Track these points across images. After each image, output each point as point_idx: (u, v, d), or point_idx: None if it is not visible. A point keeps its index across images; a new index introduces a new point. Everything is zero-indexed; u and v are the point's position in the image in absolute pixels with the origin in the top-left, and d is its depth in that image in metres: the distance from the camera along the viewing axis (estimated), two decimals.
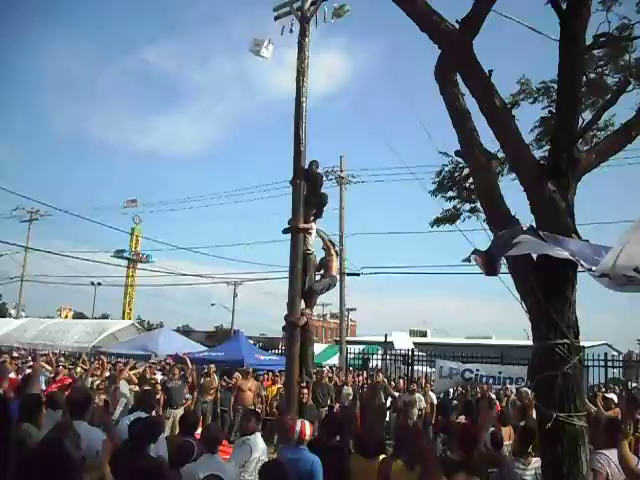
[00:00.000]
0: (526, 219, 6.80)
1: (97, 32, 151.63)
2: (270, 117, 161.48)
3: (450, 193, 9.82)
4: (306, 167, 11.58)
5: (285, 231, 11.57)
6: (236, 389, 16.96)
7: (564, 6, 6.93)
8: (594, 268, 5.36)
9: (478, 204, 8.71)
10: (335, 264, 12.28)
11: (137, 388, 15.66)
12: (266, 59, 13.80)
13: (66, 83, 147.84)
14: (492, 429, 9.79)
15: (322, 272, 11.84)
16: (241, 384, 16.89)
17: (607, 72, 9.02)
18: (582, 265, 5.46)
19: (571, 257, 5.62)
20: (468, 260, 6.46)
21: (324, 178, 12.48)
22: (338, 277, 28.17)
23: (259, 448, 7.65)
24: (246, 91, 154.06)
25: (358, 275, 30.92)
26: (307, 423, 7.53)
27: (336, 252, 12.45)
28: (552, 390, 6.04)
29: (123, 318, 62.64)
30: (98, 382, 15.12)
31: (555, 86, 8.04)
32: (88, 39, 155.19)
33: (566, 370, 6.03)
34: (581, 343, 6.51)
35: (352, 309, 59.69)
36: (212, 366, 18.05)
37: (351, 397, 18.29)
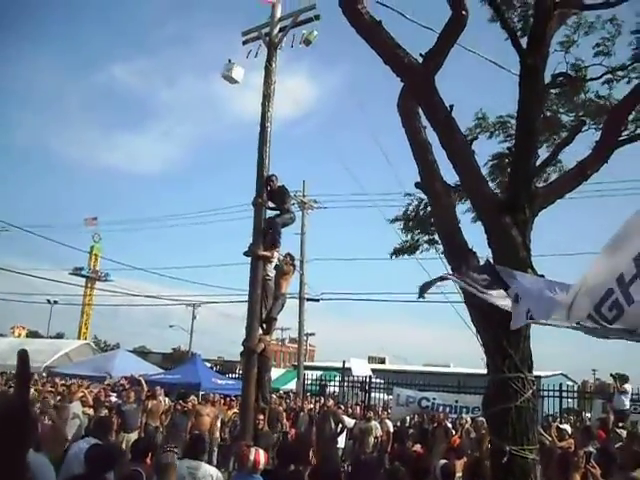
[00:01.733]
0: (483, 251, 6.92)
1: (65, 47, 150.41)
2: (235, 139, 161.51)
3: (409, 224, 9.94)
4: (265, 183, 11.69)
5: (246, 254, 11.56)
6: (194, 414, 16.66)
7: (524, 44, 7.10)
8: (543, 320, 5.36)
9: (436, 236, 8.82)
10: (287, 283, 12.34)
11: (91, 411, 15.38)
12: (237, 83, 13.87)
13: (30, 96, 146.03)
14: (444, 461, 9.79)
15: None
16: (199, 409, 16.59)
17: (563, 110, 9.26)
18: (531, 319, 5.44)
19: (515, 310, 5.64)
20: (422, 295, 6.43)
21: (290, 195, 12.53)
22: (298, 302, 28.08)
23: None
24: (212, 112, 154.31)
25: (318, 301, 30.95)
26: (262, 451, 7.46)
27: (293, 266, 12.51)
28: (505, 423, 6.10)
29: (79, 337, 61.62)
30: (51, 403, 14.81)
31: (512, 121, 8.22)
32: (56, 54, 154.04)
33: (520, 403, 6.10)
34: (537, 373, 6.60)
35: (311, 334, 59.41)
36: (158, 388, 17.69)
37: (307, 423, 18.19)
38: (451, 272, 6.31)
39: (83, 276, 65.73)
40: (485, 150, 9.82)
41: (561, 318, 5.02)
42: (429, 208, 9.52)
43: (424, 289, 6.23)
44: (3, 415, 0.82)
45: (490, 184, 9.51)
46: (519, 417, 6.09)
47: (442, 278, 6.26)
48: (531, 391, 6.25)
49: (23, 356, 1.03)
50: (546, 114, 8.77)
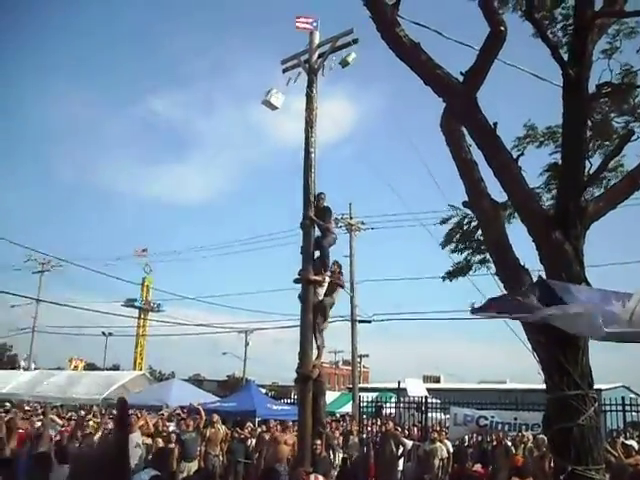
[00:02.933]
0: (535, 266, 6.83)
1: (103, 81, 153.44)
2: (277, 165, 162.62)
3: (460, 245, 9.86)
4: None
5: (296, 281, 11.61)
6: (273, 441, 16.27)
7: (565, 57, 7.05)
8: (607, 330, 5.24)
9: (488, 255, 8.73)
10: (338, 294, 12.43)
11: (150, 440, 15.52)
12: (277, 109, 14.02)
13: (72, 132, 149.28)
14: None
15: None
16: (278, 436, 16.19)
17: (612, 116, 9.11)
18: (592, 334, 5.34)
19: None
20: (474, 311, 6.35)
21: (333, 215, 12.59)
22: (350, 324, 28.01)
23: None
24: (253, 139, 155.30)
25: (369, 322, 30.76)
26: (321, 477, 7.45)
27: (340, 273, 12.57)
28: (568, 442, 5.97)
29: (134, 368, 62.37)
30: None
31: (561, 130, 8.10)
32: (94, 88, 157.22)
33: (582, 422, 5.97)
34: (597, 386, 6.45)
35: (364, 355, 59.17)
36: (215, 415, 17.71)
37: (358, 446, 17.99)
38: (502, 304, 6.17)
39: (136, 307, 66.50)
40: (536, 161, 9.75)
41: (622, 326, 4.93)
42: (473, 223, 9.46)
43: (476, 311, 6.16)
44: (105, 459, 0.85)
45: (547, 195, 9.45)
46: (582, 436, 5.96)
47: (492, 315, 6.19)
48: (593, 408, 6.11)
49: (123, 403, 1.06)
50: (596, 122, 8.65)
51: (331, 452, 16.75)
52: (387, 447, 16.50)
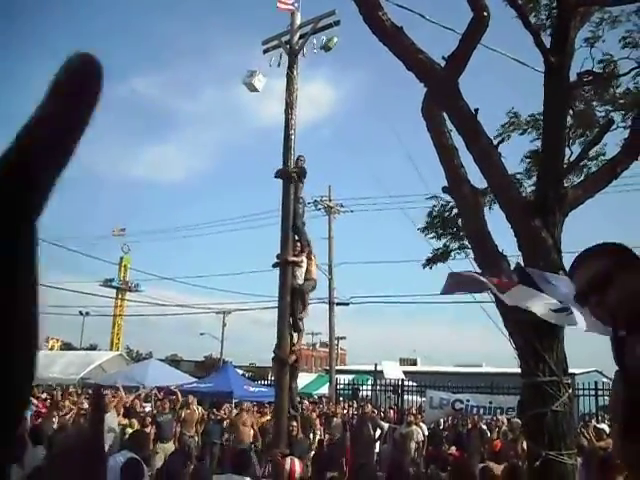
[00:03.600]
0: (514, 253, 6.86)
1: None
2: (257, 145, 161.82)
3: (439, 231, 9.87)
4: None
5: (275, 265, 11.59)
6: (232, 426, 16.44)
7: (548, 44, 7.03)
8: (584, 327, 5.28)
9: (467, 241, 8.75)
10: (314, 268, 12.40)
11: (125, 421, 15.46)
12: (258, 91, 13.94)
13: None
14: (483, 465, 9.69)
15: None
16: (236, 420, 16.39)
17: (594, 105, 9.13)
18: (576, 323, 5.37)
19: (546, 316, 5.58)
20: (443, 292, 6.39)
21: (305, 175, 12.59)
22: (328, 306, 28.02)
23: None
24: (233, 120, 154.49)
25: (347, 305, 30.86)
26: (297, 461, 7.47)
27: (313, 255, 12.57)
28: (541, 427, 6.02)
29: (111, 348, 62.13)
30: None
31: (542, 116, 8.12)
32: None
33: (555, 407, 6.02)
34: (571, 370, 6.51)
35: (342, 338, 59.28)
36: (190, 397, 17.71)
37: (341, 428, 18.10)
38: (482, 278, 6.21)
39: (114, 287, 66.25)
40: (519, 148, 9.78)
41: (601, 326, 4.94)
42: (454, 211, 9.47)
43: (444, 291, 6.20)
44: (77, 448, 0.81)
45: (528, 182, 9.48)
46: (555, 422, 6.01)
47: (471, 283, 6.21)
48: (567, 395, 6.17)
49: (99, 391, 1.02)
50: (578, 110, 8.67)
51: (311, 434, 16.86)
52: (364, 430, 16.57)
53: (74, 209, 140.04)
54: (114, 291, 66.74)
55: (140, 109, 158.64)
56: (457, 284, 6.36)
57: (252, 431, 15.87)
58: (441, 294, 6.42)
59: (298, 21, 13.51)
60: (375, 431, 16.75)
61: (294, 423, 12.20)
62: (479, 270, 6.90)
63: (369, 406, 18.89)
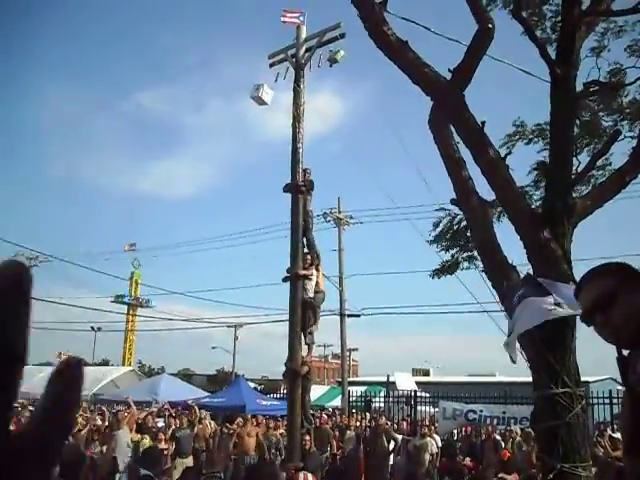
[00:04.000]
0: (524, 263, 6.84)
1: (92, 78, 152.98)
2: (266, 159, 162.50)
3: (448, 243, 9.87)
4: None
5: (285, 279, 11.60)
6: (235, 436, 16.44)
7: (553, 55, 7.05)
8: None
9: (476, 252, 8.74)
10: (322, 279, 12.44)
11: (138, 437, 15.45)
12: (267, 104, 14.00)
13: (59, 127, 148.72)
14: (499, 476, 9.65)
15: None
16: (241, 432, 16.42)
17: (601, 115, 9.12)
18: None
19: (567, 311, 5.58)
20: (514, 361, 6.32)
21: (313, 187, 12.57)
22: (339, 318, 27.95)
23: None
24: (240, 134, 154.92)
25: (359, 316, 30.79)
26: (310, 476, 7.46)
27: (320, 267, 12.60)
28: (555, 440, 6.00)
29: (123, 363, 62.23)
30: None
31: (549, 127, 8.12)
32: (83, 85, 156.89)
33: (569, 419, 5.99)
34: (585, 379, 6.49)
35: (354, 349, 59.18)
36: (202, 411, 17.71)
37: (354, 441, 18.04)
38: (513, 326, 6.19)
39: (125, 303, 66.32)
40: (526, 158, 9.77)
41: None
42: (463, 223, 9.47)
43: (511, 351, 6.18)
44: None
45: (536, 193, 9.46)
46: (569, 433, 5.98)
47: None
48: (580, 406, 6.14)
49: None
50: (585, 120, 8.67)
51: (329, 447, 16.80)
52: (379, 442, 16.51)
53: (84, 226, 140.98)
54: (125, 307, 66.89)
55: (147, 124, 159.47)
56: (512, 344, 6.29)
57: (257, 441, 15.92)
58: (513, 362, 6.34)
59: (304, 34, 13.58)
60: (389, 443, 16.68)
61: (307, 437, 12.17)
62: (489, 282, 6.92)
63: (383, 418, 18.81)
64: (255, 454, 15.21)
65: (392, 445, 16.71)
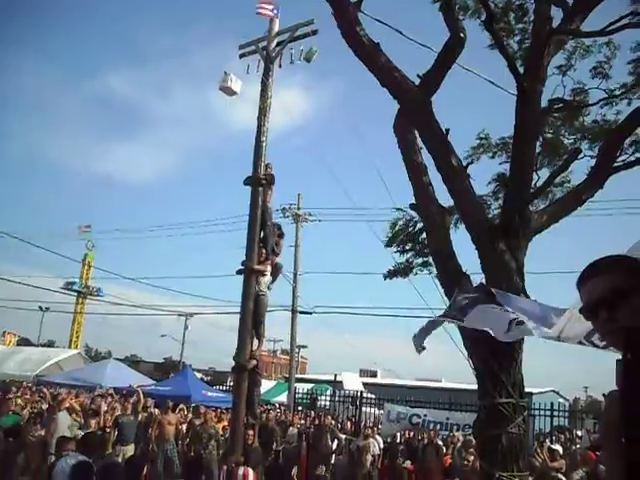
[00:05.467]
0: (477, 272, 6.91)
1: (60, 56, 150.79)
2: (229, 149, 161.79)
3: (404, 246, 9.92)
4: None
5: (239, 272, 11.52)
6: (156, 424, 16.06)
7: (521, 70, 7.13)
8: (542, 335, 5.35)
9: (430, 259, 8.80)
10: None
11: (80, 419, 15.17)
12: (236, 94, 13.88)
13: (23, 103, 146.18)
14: None
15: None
16: (162, 418, 16.07)
17: (563, 133, 9.26)
18: (532, 333, 5.44)
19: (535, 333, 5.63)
20: (419, 351, 6.28)
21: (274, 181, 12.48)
22: (291, 314, 27.92)
23: None
24: (207, 123, 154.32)
25: (310, 314, 30.80)
26: (251, 471, 7.43)
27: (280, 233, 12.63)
28: (496, 448, 6.07)
29: (70, 346, 61.23)
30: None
31: (512, 140, 8.21)
32: (49, 62, 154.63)
33: (510, 429, 6.07)
34: (528, 390, 6.58)
35: (303, 346, 59.22)
36: (150, 400, 17.49)
37: (296, 438, 18.03)
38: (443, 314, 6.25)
39: (75, 291, 65.05)
40: (488, 168, 9.86)
41: (554, 338, 5.06)
42: (419, 225, 9.52)
43: (419, 341, 6.17)
44: None
45: (494, 204, 9.56)
46: (510, 443, 6.07)
47: (434, 323, 6.22)
48: (522, 417, 6.23)
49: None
50: (547, 137, 8.80)
51: (274, 443, 16.76)
52: (323, 440, 16.53)
53: (41, 204, 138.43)
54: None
55: (113, 106, 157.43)
56: (425, 332, 6.30)
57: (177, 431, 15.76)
58: (418, 352, 6.30)
59: (276, 28, 13.49)
60: (333, 442, 16.72)
61: (251, 431, 12.10)
62: (441, 288, 6.97)
63: (329, 417, 18.87)
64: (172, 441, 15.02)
65: (335, 444, 16.75)
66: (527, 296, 6.38)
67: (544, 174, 8.11)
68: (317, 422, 19.28)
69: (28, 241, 37.29)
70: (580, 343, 5.04)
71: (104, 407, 17.77)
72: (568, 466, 10.77)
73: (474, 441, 12.49)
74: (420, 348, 6.13)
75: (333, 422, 19.31)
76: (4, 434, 12.37)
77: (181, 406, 19.15)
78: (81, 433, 11.68)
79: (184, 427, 17.17)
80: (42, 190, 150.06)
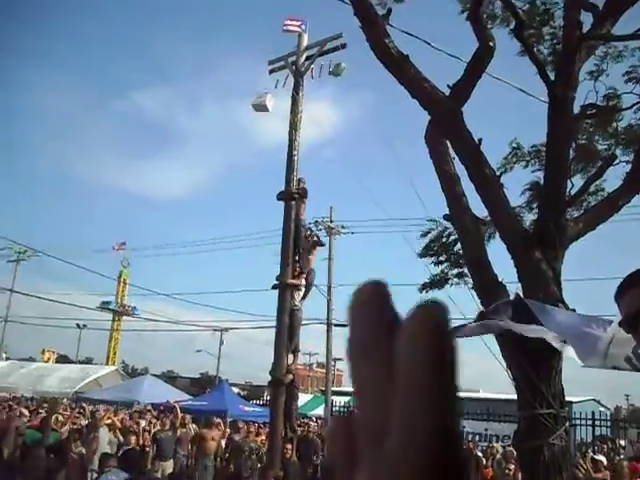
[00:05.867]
0: (513, 281, 6.84)
1: (88, 75, 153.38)
2: (259, 164, 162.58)
3: (438, 257, 9.87)
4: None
5: (274, 287, 11.56)
6: (197, 439, 16.13)
7: (552, 76, 7.08)
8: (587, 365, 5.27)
9: (466, 269, 8.73)
10: (314, 256, 12.50)
11: (120, 436, 15.28)
12: (268, 111, 14.00)
13: (53, 124, 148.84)
14: None
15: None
16: (204, 433, 16.11)
17: (596, 139, 9.16)
18: (569, 355, 5.37)
19: (557, 344, 5.56)
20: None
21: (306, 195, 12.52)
22: (326, 327, 27.88)
23: None
24: (235, 138, 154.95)
25: (345, 326, 30.70)
26: None
27: (317, 242, 12.67)
28: (538, 460, 5.98)
29: (107, 362, 61.78)
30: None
31: (545, 148, 8.13)
32: (79, 82, 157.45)
33: (552, 440, 5.98)
34: (568, 399, 6.49)
35: (339, 359, 59.13)
36: (188, 416, 17.56)
37: None
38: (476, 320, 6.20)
39: (111, 310, 65.62)
40: (521, 177, 9.78)
41: (599, 360, 4.96)
42: (452, 236, 9.47)
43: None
44: None
45: (528, 214, 9.47)
46: (552, 454, 5.97)
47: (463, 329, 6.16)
48: (564, 427, 6.14)
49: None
50: (580, 143, 8.71)
51: (315, 455, 16.68)
52: None
53: (75, 223, 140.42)
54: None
55: (142, 124, 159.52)
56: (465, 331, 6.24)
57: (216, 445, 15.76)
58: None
59: (305, 43, 13.60)
60: None
61: (289, 446, 12.11)
62: (478, 299, 6.91)
63: None
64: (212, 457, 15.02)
65: None
66: (566, 306, 6.30)
67: (577, 181, 8.03)
68: None
69: (65, 260, 37.97)
70: (624, 367, 4.96)
71: (143, 424, 17.91)
72: (612, 477, 10.58)
73: (514, 452, 12.34)
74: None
75: None
76: (46, 451, 12.51)
77: (217, 420, 19.21)
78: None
79: (223, 442, 17.19)
80: (75, 208, 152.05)
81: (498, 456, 15.45)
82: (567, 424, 6.36)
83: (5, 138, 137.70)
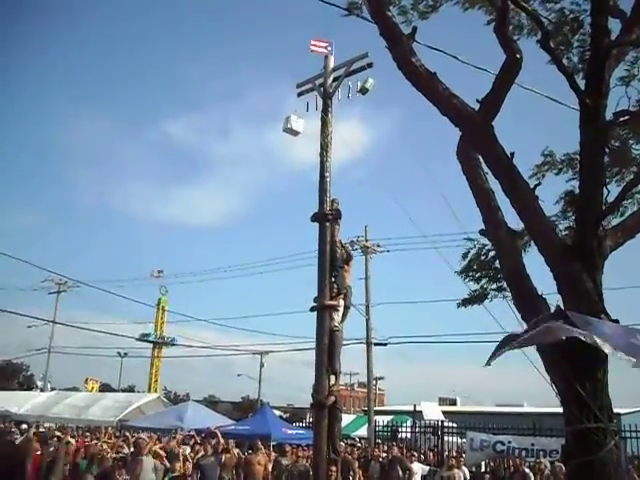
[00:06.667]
0: (553, 295, 6.74)
1: (120, 106, 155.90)
2: (291, 187, 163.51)
3: (476, 274, 9.76)
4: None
5: (312, 309, 11.54)
6: (243, 464, 16.14)
7: (582, 84, 7.02)
8: (632, 359, 5.14)
9: (505, 283, 8.63)
10: (349, 273, 12.43)
11: (166, 462, 15.33)
12: (299, 134, 14.06)
13: (86, 155, 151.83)
14: None
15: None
16: (250, 458, 16.14)
17: (631, 143, 9.03)
18: (619, 356, 5.24)
19: (606, 348, 5.41)
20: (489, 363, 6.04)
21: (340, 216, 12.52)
22: (366, 347, 27.83)
23: None
24: (266, 162, 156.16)
25: (385, 345, 30.61)
26: None
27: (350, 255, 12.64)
28: (588, 476, 5.86)
29: (149, 390, 62.35)
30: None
31: (579, 157, 8.03)
32: (111, 113, 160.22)
33: (601, 455, 5.85)
34: (616, 410, 6.34)
35: (380, 378, 58.84)
36: (231, 441, 17.60)
37: (378, 472, 17.76)
38: (517, 333, 6.08)
39: (150, 341, 66.05)
40: (554, 187, 9.68)
41: None
42: (491, 253, 9.37)
43: (492, 358, 6.00)
44: None
45: (563, 222, 9.35)
46: (603, 469, 5.83)
47: (509, 345, 6.02)
48: (613, 442, 6.00)
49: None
50: (614, 148, 8.58)
51: (350, 477, 16.58)
52: (393, 472, 16.30)
53: (112, 252, 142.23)
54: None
55: (173, 152, 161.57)
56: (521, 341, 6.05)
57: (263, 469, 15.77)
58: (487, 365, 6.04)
59: (331, 64, 13.66)
60: (404, 473, 16.44)
61: (333, 468, 12.03)
62: (518, 313, 6.82)
63: (395, 449, 18.61)
64: None
65: (407, 475, 16.47)
66: (608, 317, 6.19)
67: (613, 188, 7.90)
68: (387, 454, 19.01)
69: (104, 289, 38.40)
70: None
71: (187, 450, 17.97)
72: None
73: (563, 468, 12.11)
74: (492, 361, 5.92)
75: (414, 453, 19.02)
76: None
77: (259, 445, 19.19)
78: None
79: (270, 466, 17.21)
80: (111, 238, 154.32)
81: (547, 472, 15.19)
82: (617, 438, 6.21)
83: (43, 171, 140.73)
